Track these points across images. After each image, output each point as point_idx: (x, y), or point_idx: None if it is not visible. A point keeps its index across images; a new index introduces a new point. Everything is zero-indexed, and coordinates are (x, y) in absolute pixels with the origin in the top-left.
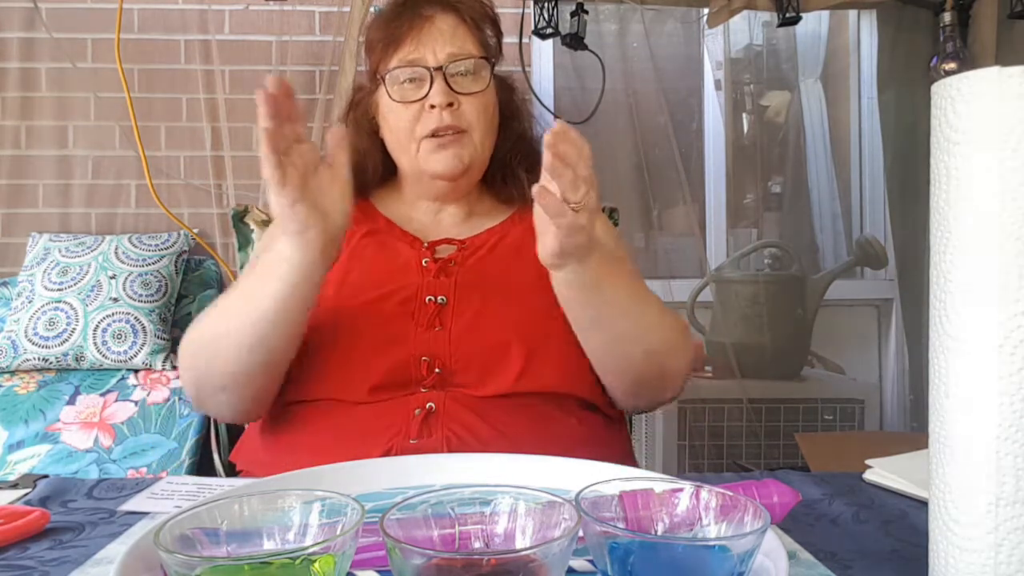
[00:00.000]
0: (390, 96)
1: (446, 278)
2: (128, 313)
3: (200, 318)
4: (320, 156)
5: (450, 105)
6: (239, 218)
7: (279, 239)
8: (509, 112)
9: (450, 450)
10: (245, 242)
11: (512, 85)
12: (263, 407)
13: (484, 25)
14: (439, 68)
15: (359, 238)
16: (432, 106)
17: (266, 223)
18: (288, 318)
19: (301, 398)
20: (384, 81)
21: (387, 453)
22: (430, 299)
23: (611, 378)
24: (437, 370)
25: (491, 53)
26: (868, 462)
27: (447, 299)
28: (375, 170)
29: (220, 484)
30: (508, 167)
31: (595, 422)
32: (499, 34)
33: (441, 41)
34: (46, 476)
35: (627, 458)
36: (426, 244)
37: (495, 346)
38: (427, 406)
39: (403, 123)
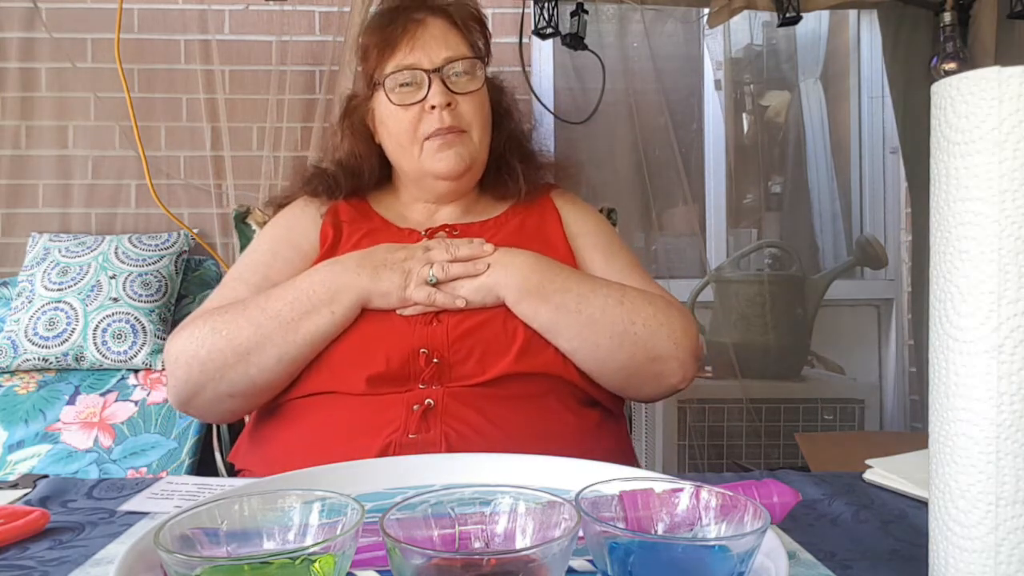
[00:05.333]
0: (389, 99)
1: None
2: (128, 313)
3: (197, 325)
4: None
5: (449, 105)
6: (241, 219)
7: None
8: (501, 111)
9: (448, 445)
10: (247, 243)
11: (501, 85)
12: (258, 406)
13: (473, 27)
14: (436, 70)
15: (359, 238)
16: (432, 107)
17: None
18: (327, 339)
19: (299, 394)
20: (383, 86)
21: (386, 448)
22: None
23: (594, 370)
24: (435, 360)
25: (481, 53)
26: (868, 462)
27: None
28: (371, 173)
29: (220, 484)
30: (503, 163)
31: (593, 416)
32: (487, 35)
33: (435, 45)
34: (46, 476)
35: (626, 453)
36: (424, 232)
37: (494, 333)
38: (425, 402)
39: (404, 125)
